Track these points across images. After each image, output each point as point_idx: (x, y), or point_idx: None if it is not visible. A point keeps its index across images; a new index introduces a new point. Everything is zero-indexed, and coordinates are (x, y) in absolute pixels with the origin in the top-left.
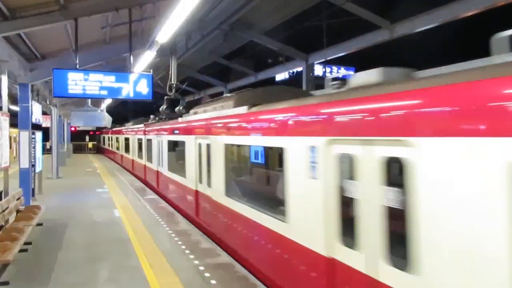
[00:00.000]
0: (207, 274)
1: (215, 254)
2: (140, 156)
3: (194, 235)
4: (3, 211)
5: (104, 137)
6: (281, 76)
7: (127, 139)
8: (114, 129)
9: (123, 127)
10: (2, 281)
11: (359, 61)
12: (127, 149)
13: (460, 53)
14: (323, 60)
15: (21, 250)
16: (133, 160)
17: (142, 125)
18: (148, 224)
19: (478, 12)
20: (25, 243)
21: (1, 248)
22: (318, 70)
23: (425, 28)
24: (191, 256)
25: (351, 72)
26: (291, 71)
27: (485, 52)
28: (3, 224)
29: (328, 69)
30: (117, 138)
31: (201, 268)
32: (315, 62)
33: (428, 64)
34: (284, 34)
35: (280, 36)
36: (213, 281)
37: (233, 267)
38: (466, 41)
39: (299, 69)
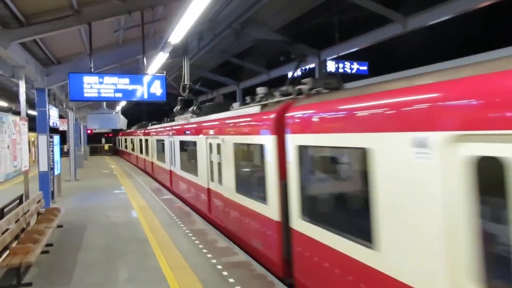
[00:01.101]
0: (225, 273)
1: (232, 253)
2: (250, 193)
3: (210, 235)
4: (25, 213)
5: (129, 141)
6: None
7: (189, 146)
8: (150, 128)
9: (172, 124)
10: (25, 282)
11: (372, 56)
12: (191, 167)
13: (478, 44)
14: (335, 56)
15: (43, 252)
16: (210, 192)
17: (256, 108)
18: (166, 224)
19: (493, 2)
20: (47, 245)
21: (24, 250)
22: (331, 66)
23: (439, 21)
24: (209, 255)
25: (364, 67)
26: (303, 68)
27: (505, 42)
28: (25, 226)
29: (341, 65)
30: (160, 143)
31: (219, 267)
32: (327, 58)
33: (444, 57)
34: (296, 31)
35: (291, 33)
36: (231, 280)
37: (251, 265)
38: (483, 32)
39: (312, 65)
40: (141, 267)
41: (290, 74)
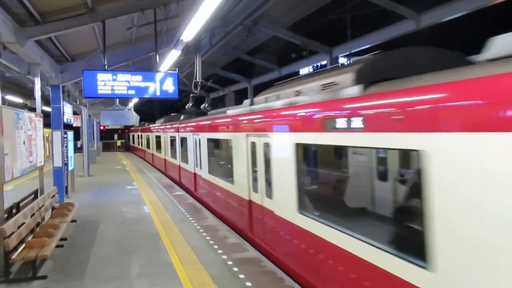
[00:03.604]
0: (235, 269)
1: (243, 249)
2: None
3: (221, 231)
4: (40, 208)
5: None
6: (305, 70)
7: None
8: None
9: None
10: (40, 275)
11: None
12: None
13: None
14: (347, 53)
15: (57, 246)
16: None
17: None
18: (177, 219)
19: None
20: (61, 239)
21: (39, 244)
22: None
23: (454, 17)
24: (219, 251)
25: None
26: (315, 65)
27: None
28: (40, 221)
29: None
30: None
31: (229, 262)
32: (339, 55)
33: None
34: (308, 28)
35: (303, 30)
36: (241, 276)
37: (261, 261)
38: (498, 28)
39: (324, 62)
40: (153, 261)
41: (301, 71)
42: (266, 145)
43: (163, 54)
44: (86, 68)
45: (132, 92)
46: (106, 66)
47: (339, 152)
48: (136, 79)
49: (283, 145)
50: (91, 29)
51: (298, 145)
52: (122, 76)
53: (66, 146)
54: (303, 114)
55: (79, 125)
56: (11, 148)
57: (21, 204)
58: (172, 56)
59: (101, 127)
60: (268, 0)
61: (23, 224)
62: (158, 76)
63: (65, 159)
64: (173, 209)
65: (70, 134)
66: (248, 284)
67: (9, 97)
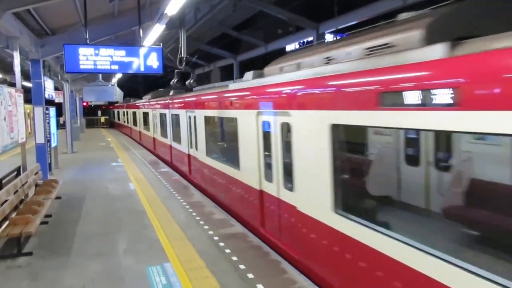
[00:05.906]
0: (221, 244)
1: (229, 225)
2: None
3: (207, 207)
4: (23, 185)
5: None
6: (291, 46)
7: None
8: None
9: None
10: (26, 251)
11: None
12: None
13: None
14: (334, 29)
15: (42, 223)
16: None
17: None
18: (163, 196)
19: None
20: (46, 216)
21: (23, 220)
22: (330, 39)
23: None
24: (206, 227)
25: None
26: (301, 41)
27: None
28: (23, 198)
29: (339, 38)
30: None
31: (216, 238)
32: (326, 32)
33: None
34: (294, 3)
35: (290, 5)
36: (227, 250)
37: (247, 236)
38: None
39: (310, 38)
40: (140, 238)
41: (288, 47)
42: None
43: (147, 28)
44: (67, 42)
45: (115, 67)
46: (88, 41)
47: None
48: (119, 54)
49: None
50: (72, 1)
51: None
52: (105, 51)
53: (49, 123)
54: None
55: (61, 101)
56: None
57: (3, 181)
58: (156, 30)
59: (84, 103)
60: None
61: (6, 201)
62: (142, 51)
63: (48, 135)
64: (159, 186)
65: (52, 110)
66: (234, 258)
67: None
